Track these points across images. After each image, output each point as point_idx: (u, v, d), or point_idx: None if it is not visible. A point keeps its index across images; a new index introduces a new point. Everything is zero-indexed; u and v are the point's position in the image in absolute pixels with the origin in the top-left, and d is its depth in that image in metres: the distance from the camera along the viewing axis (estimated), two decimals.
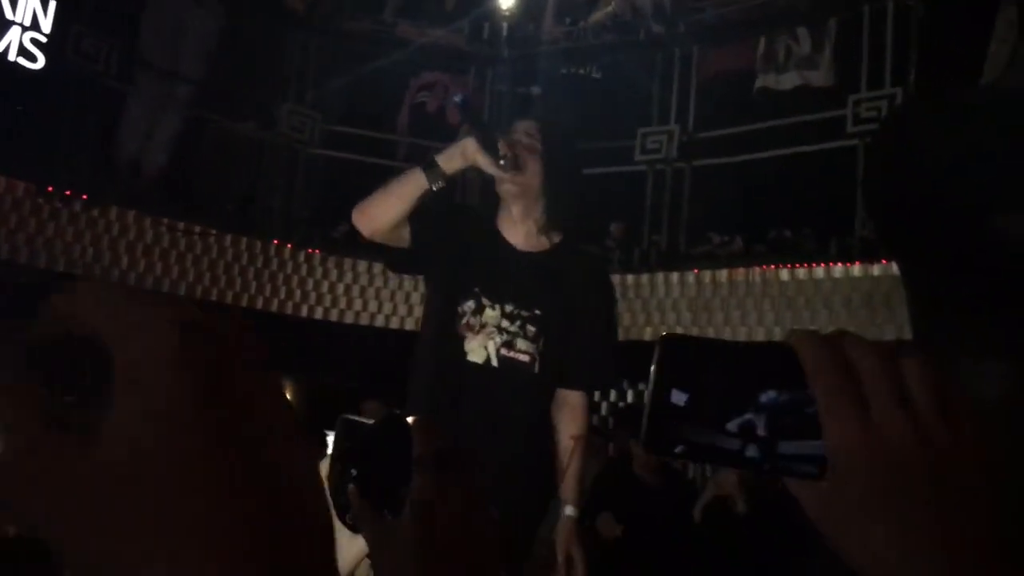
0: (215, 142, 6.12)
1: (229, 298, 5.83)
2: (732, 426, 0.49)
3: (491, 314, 2.38)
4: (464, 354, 2.37)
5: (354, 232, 6.72)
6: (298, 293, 6.12)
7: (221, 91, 5.99)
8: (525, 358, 2.38)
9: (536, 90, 6.64)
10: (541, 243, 2.47)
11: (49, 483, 0.34)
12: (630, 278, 5.61)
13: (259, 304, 5.97)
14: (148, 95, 5.77)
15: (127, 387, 0.34)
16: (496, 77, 6.67)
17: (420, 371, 2.44)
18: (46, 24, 5.09)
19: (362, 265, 6.20)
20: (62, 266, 5.14)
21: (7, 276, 4.95)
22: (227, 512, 0.34)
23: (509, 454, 2.30)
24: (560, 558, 2.39)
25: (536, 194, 2.42)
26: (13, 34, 4.97)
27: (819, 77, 5.34)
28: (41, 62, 5.07)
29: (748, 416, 0.49)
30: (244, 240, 5.92)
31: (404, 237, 2.39)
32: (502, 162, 2.33)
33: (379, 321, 6.22)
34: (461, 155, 2.32)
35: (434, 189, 2.31)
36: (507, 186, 2.39)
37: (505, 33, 6.59)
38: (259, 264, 6.00)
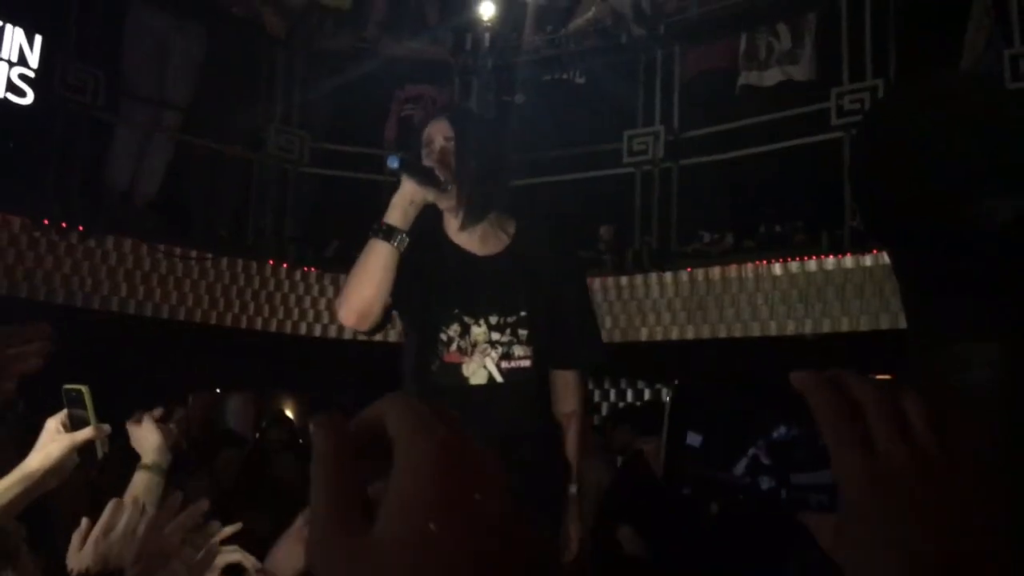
0: (205, 166, 6.14)
1: (228, 320, 5.87)
2: (745, 462, 0.53)
3: (478, 331, 2.33)
4: (466, 379, 2.32)
5: (346, 247, 6.78)
6: (296, 312, 6.15)
7: (208, 115, 6.02)
8: (527, 363, 2.34)
9: (520, 98, 6.68)
10: (500, 240, 2.43)
11: (343, 553, 0.42)
12: (623, 279, 5.66)
13: (258, 325, 6.01)
14: (136, 123, 5.81)
15: (403, 476, 0.43)
16: (480, 87, 6.71)
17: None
18: (33, 59, 5.11)
19: None
20: (62, 298, 5.17)
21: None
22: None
23: (528, 462, 2.25)
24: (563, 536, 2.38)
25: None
26: (1, 71, 5.00)
27: (801, 71, 5.39)
28: (30, 97, 5.10)
29: (759, 452, 0.53)
30: (239, 262, 5.96)
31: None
32: (447, 187, 2.29)
33: (378, 335, 6.23)
34: (409, 204, 2.27)
35: (400, 249, 2.26)
36: (449, 201, 2.34)
37: (487, 43, 6.64)
38: (256, 285, 6.03)
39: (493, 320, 2.33)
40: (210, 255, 5.83)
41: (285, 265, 6.11)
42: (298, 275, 6.15)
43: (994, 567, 0.49)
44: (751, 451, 0.53)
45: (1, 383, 1.54)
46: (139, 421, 2.19)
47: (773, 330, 5.07)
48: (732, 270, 5.26)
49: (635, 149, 5.80)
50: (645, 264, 5.58)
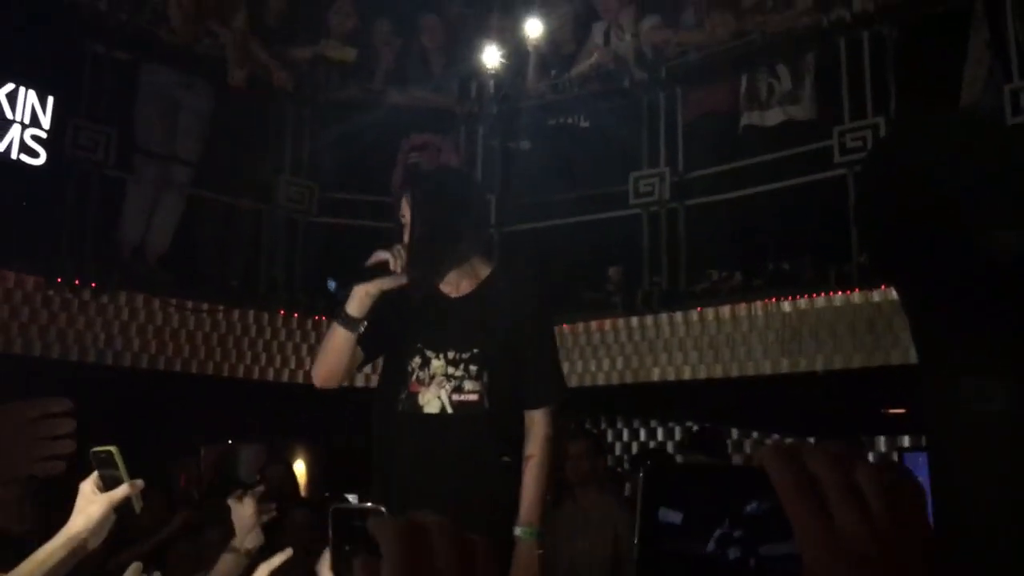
0: (215, 219, 6.21)
1: (240, 371, 5.89)
2: (716, 537, 0.57)
3: (437, 364, 2.57)
4: (420, 408, 2.56)
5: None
6: (307, 361, 6.17)
7: (217, 169, 6.11)
8: (474, 397, 2.55)
9: (525, 144, 6.76)
10: (471, 283, 2.66)
11: None
12: (634, 320, 5.67)
13: (270, 375, 6.03)
14: (147, 180, 5.88)
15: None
16: (486, 133, 6.79)
17: (380, 431, 2.65)
18: (45, 120, 5.19)
19: None
20: (76, 355, 5.20)
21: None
22: None
23: (471, 491, 2.48)
24: None
25: None
26: (14, 132, 5.07)
27: (802, 111, 5.45)
28: (42, 157, 5.17)
29: (729, 527, 0.57)
30: (251, 313, 6.00)
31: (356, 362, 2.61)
32: (396, 269, 2.51)
33: None
34: (365, 295, 2.50)
35: (360, 332, 2.51)
36: (401, 280, 2.53)
37: (492, 90, 6.72)
38: (267, 335, 6.06)
39: (450, 355, 2.57)
40: (221, 307, 5.87)
41: (296, 315, 6.15)
42: (309, 324, 6.18)
43: None
44: (725, 527, 0.57)
45: (38, 464, 1.54)
46: (240, 498, 2.23)
47: (785, 367, 5.07)
48: (742, 308, 5.28)
49: (641, 191, 5.85)
50: (655, 304, 5.59)
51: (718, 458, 4.99)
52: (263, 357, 6.00)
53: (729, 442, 7.30)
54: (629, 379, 5.63)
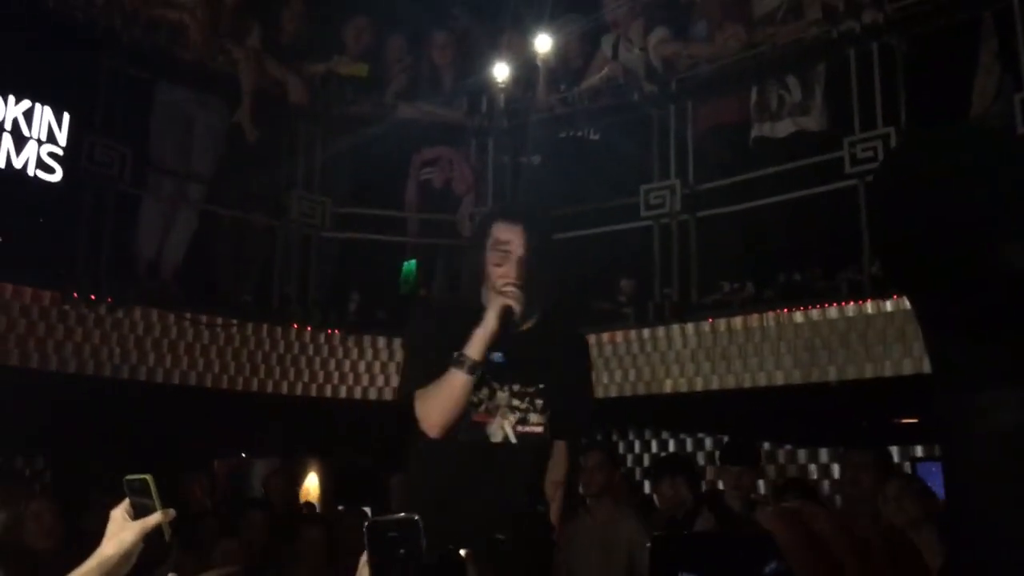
0: (229, 235, 6.25)
1: (254, 386, 5.92)
2: None
3: (502, 396, 2.62)
4: (487, 438, 2.60)
5: (368, 309, 6.87)
6: (321, 375, 6.20)
7: (231, 186, 6.15)
8: (539, 429, 2.63)
9: (536, 158, 6.79)
10: (529, 319, 2.71)
11: None
12: (646, 332, 5.68)
13: (283, 389, 6.05)
14: (162, 197, 5.93)
15: None
16: (496, 148, 6.82)
17: (435, 459, 2.64)
18: (61, 137, 5.25)
19: (381, 341, 6.29)
20: (91, 370, 5.24)
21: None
22: None
23: (528, 516, 2.50)
24: None
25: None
26: (31, 149, 5.13)
27: (812, 122, 5.46)
28: (59, 174, 5.22)
29: None
30: (264, 327, 6.03)
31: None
32: (513, 305, 2.57)
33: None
34: (482, 338, 2.55)
35: (475, 376, 2.55)
36: (512, 301, 2.60)
37: (502, 104, 6.76)
38: (280, 349, 6.09)
39: (516, 388, 2.62)
40: (235, 321, 5.90)
41: (309, 328, 6.18)
42: (322, 338, 6.21)
43: None
44: None
45: None
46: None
47: (797, 378, 5.08)
48: (754, 319, 5.28)
49: (652, 203, 5.87)
50: (667, 316, 5.60)
51: (753, 467, 5.01)
52: (276, 371, 6.03)
53: (762, 453, 7.30)
54: (641, 391, 5.64)
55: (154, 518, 1.83)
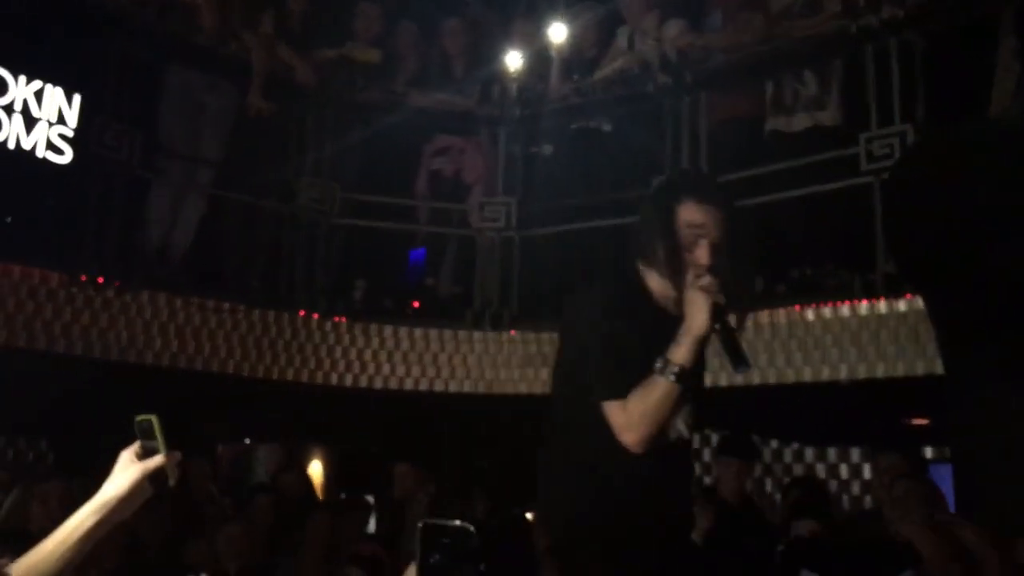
0: (237, 220, 6.23)
1: (260, 371, 5.90)
2: None
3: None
4: (666, 435, 2.32)
5: (375, 297, 6.83)
6: (327, 362, 6.18)
7: (240, 170, 6.12)
8: (692, 418, 2.40)
9: (548, 148, 6.75)
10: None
11: None
12: None
13: (289, 375, 6.04)
14: (171, 180, 5.91)
15: None
16: (508, 137, 6.78)
17: (604, 461, 2.33)
18: (71, 118, 5.22)
19: (388, 330, 6.27)
20: (98, 353, 5.23)
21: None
22: None
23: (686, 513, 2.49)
24: None
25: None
26: (40, 130, 5.10)
27: (828, 117, 5.41)
28: (68, 155, 5.19)
29: None
30: (271, 313, 6.01)
31: None
32: (719, 292, 2.24)
33: (408, 384, 6.27)
34: (693, 341, 2.24)
35: (681, 383, 2.25)
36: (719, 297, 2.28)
37: (514, 94, 6.71)
38: (287, 336, 6.07)
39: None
40: (242, 307, 5.88)
41: (316, 316, 6.16)
42: (328, 325, 6.19)
43: None
44: None
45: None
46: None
47: (808, 376, 5.03)
48: (764, 316, 5.23)
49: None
50: None
51: (750, 461, 4.99)
52: (282, 358, 6.01)
53: (768, 451, 7.27)
54: None
55: (155, 460, 1.79)
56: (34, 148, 5.08)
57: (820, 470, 7.44)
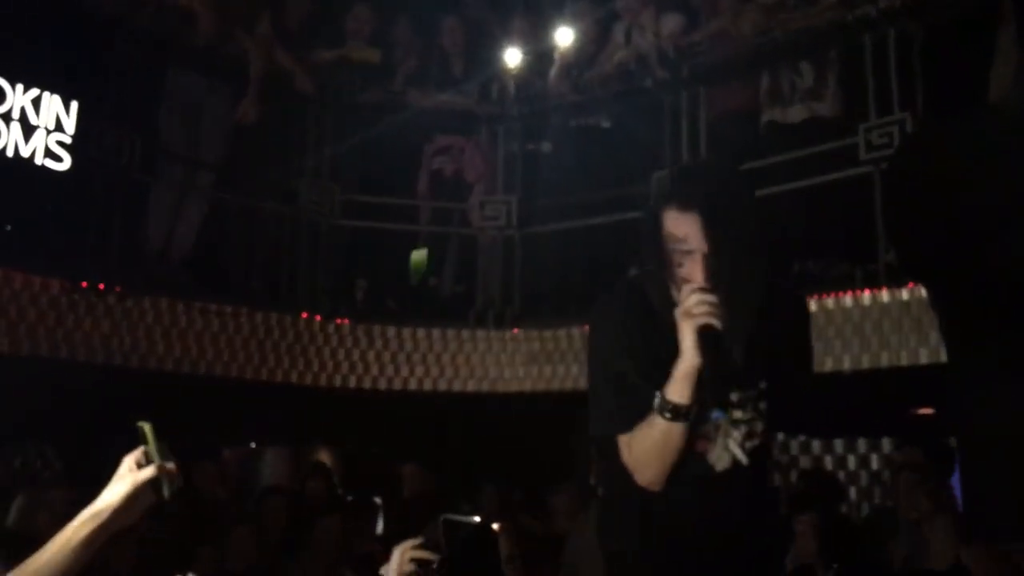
0: (238, 223, 6.22)
1: (263, 374, 5.90)
2: None
3: (718, 414, 2.08)
4: (711, 467, 2.08)
5: (377, 298, 6.75)
6: (330, 364, 6.18)
7: (240, 173, 6.12)
8: (765, 436, 2.11)
9: (547, 146, 6.74)
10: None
11: None
12: None
13: (292, 378, 6.04)
14: (171, 184, 5.91)
15: None
16: (507, 135, 6.77)
17: (641, 501, 2.12)
18: (69, 125, 5.22)
19: (391, 331, 6.27)
20: (101, 358, 5.23)
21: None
22: None
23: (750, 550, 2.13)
24: None
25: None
26: (38, 138, 5.10)
27: (825, 108, 5.40)
28: (67, 162, 5.19)
29: None
30: (273, 316, 6.00)
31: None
32: (713, 323, 1.94)
33: (411, 385, 6.27)
34: (683, 376, 1.96)
35: (689, 420, 2.00)
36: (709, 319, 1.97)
37: (513, 92, 6.71)
38: (289, 338, 6.07)
39: (734, 398, 2.07)
40: (244, 310, 5.88)
41: (318, 317, 6.16)
42: (331, 327, 6.19)
43: None
44: None
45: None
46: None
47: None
48: None
49: (663, 191, 5.81)
50: None
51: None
52: (286, 360, 6.01)
53: (775, 443, 7.26)
54: None
55: (146, 472, 1.72)
56: (33, 156, 5.08)
57: (828, 462, 7.43)
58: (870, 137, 5.02)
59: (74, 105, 5.26)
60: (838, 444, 7.46)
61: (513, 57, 6.64)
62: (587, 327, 2.25)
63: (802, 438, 7.53)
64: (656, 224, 2.06)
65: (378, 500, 6.42)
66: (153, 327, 5.48)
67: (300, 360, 6.06)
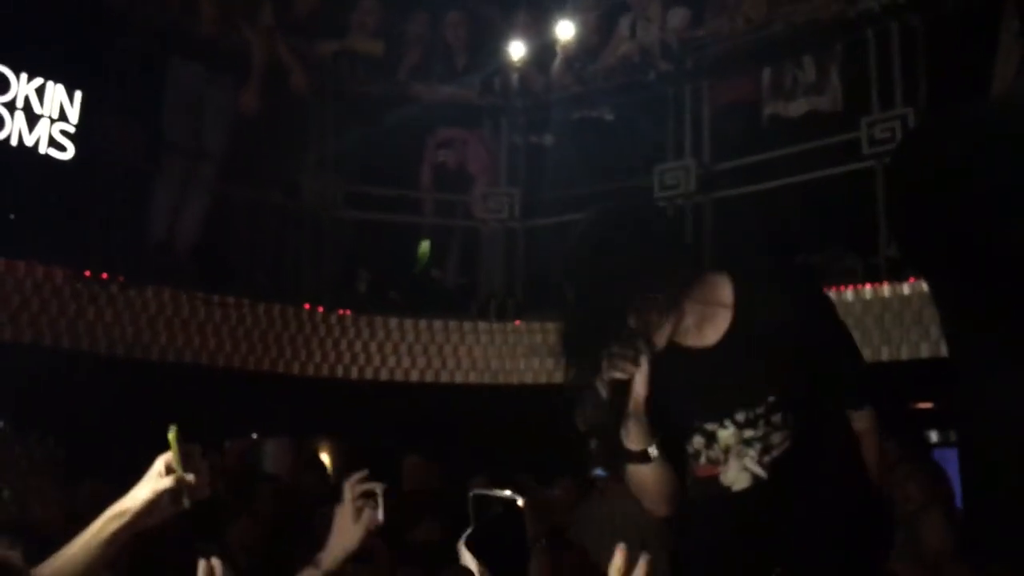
0: (241, 214, 6.23)
1: (266, 365, 5.92)
2: None
3: (726, 435, 1.99)
4: (728, 489, 2.00)
5: (380, 290, 6.73)
6: (332, 355, 6.19)
7: (243, 164, 6.13)
8: (787, 444, 1.98)
9: (549, 138, 6.74)
10: (718, 317, 2.04)
11: None
12: None
13: (295, 369, 6.05)
14: (174, 175, 5.91)
15: None
16: (510, 128, 6.77)
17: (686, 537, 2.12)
18: (73, 115, 5.23)
19: (393, 322, 6.28)
20: (104, 348, 5.24)
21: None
22: None
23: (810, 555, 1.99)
24: None
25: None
26: (42, 127, 5.11)
27: (827, 102, 5.41)
28: (70, 151, 5.21)
29: None
30: (276, 307, 6.01)
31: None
32: (617, 376, 1.96)
33: (414, 376, 6.28)
34: (636, 426, 1.98)
35: (661, 454, 2.00)
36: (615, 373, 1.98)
37: (516, 84, 6.71)
38: (292, 329, 6.08)
39: (740, 418, 1.98)
40: (247, 301, 5.89)
41: (321, 309, 6.16)
42: (334, 319, 6.20)
43: None
44: None
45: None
46: (356, 509, 2.04)
47: None
48: None
49: (667, 183, 5.82)
50: None
51: None
52: (288, 351, 6.02)
53: None
54: None
55: (164, 482, 1.76)
56: (36, 145, 5.09)
57: None
58: (872, 131, 5.03)
59: (78, 95, 5.27)
60: None
61: (516, 50, 6.64)
62: None
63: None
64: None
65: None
66: (156, 317, 5.49)
67: (302, 351, 6.07)
